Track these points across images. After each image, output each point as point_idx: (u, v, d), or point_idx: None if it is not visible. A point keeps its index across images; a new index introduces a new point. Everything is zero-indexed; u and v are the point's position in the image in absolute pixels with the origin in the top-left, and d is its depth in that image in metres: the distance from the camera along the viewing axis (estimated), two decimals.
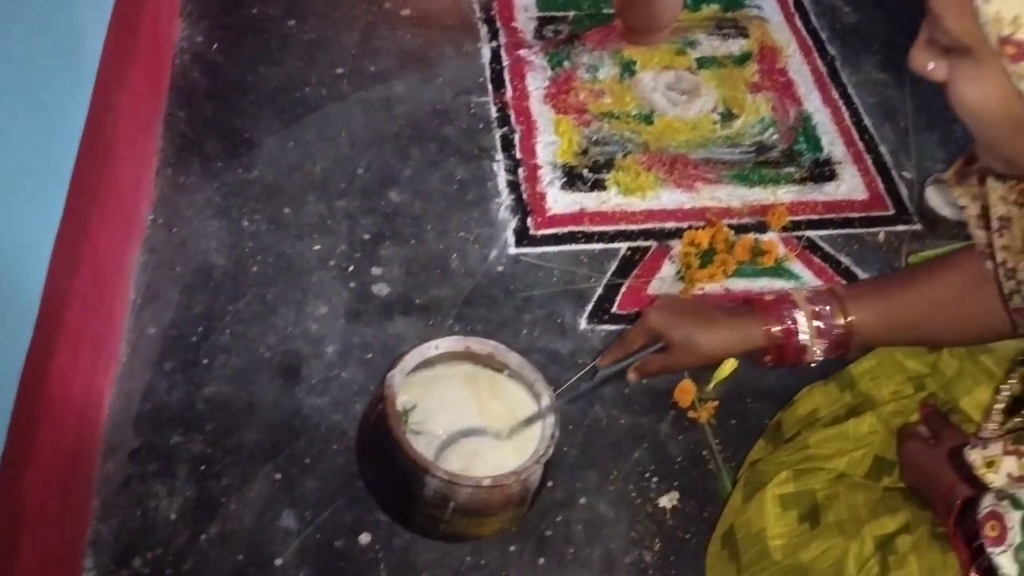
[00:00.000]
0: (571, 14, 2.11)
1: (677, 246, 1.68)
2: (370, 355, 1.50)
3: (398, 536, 1.31)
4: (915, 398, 1.04)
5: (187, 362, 1.47)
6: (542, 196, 1.75)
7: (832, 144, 1.88)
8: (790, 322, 0.93)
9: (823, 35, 2.11)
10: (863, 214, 1.77)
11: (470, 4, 2.11)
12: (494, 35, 2.05)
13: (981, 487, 0.80)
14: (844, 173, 1.83)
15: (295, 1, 2.07)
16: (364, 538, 1.31)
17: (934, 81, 0.64)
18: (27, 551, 1.11)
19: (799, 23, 2.14)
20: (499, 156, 1.81)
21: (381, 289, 1.59)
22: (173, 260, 1.60)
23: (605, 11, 2.11)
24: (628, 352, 1.01)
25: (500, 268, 1.64)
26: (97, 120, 1.41)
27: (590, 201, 1.75)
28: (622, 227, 1.71)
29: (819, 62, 2.05)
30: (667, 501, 1.38)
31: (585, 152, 1.83)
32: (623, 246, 1.68)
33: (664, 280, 1.64)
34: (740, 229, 1.71)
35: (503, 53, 2.01)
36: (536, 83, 1.95)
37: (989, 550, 0.72)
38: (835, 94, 1.98)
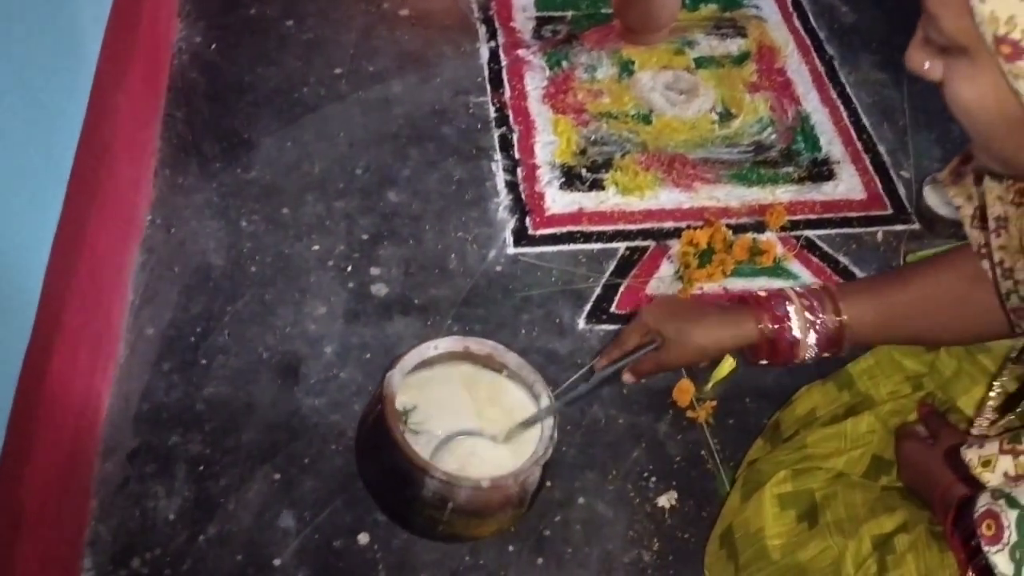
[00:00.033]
0: (569, 14, 2.12)
1: (675, 246, 1.68)
2: (369, 355, 1.50)
3: (397, 536, 1.31)
4: (913, 397, 1.04)
5: (185, 362, 1.47)
6: (540, 196, 1.75)
7: (830, 144, 1.88)
8: (782, 315, 0.93)
9: (821, 35, 2.11)
10: (861, 214, 1.77)
11: (468, 4, 2.11)
12: (492, 35, 2.05)
13: (978, 486, 0.80)
14: (842, 173, 1.83)
15: (293, 1, 2.07)
16: (363, 538, 1.31)
17: (930, 80, 0.64)
18: (26, 551, 1.11)
19: (797, 23, 2.14)
20: (497, 156, 1.81)
21: (380, 289, 1.59)
22: (171, 260, 1.60)
23: (603, 11, 2.11)
24: (624, 352, 1.01)
25: (499, 268, 1.64)
26: (95, 120, 1.41)
27: (588, 201, 1.75)
28: (620, 227, 1.71)
29: (817, 62, 2.05)
30: (665, 501, 1.38)
31: (583, 152, 1.83)
32: (621, 246, 1.69)
33: (662, 280, 1.64)
34: (738, 229, 1.71)
35: (501, 53, 2.01)
36: (534, 83, 1.95)
37: (985, 549, 0.72)
38: (833, 94, 1.98)
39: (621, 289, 1.62)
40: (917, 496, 0.95)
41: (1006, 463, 0.78)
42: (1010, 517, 0.71)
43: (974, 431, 0.93)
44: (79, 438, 1.32)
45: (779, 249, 1.68)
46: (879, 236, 1.73)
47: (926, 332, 0.95)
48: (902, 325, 0.94)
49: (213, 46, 1.96)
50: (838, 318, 0.93)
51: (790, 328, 0.93)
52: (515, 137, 1.85)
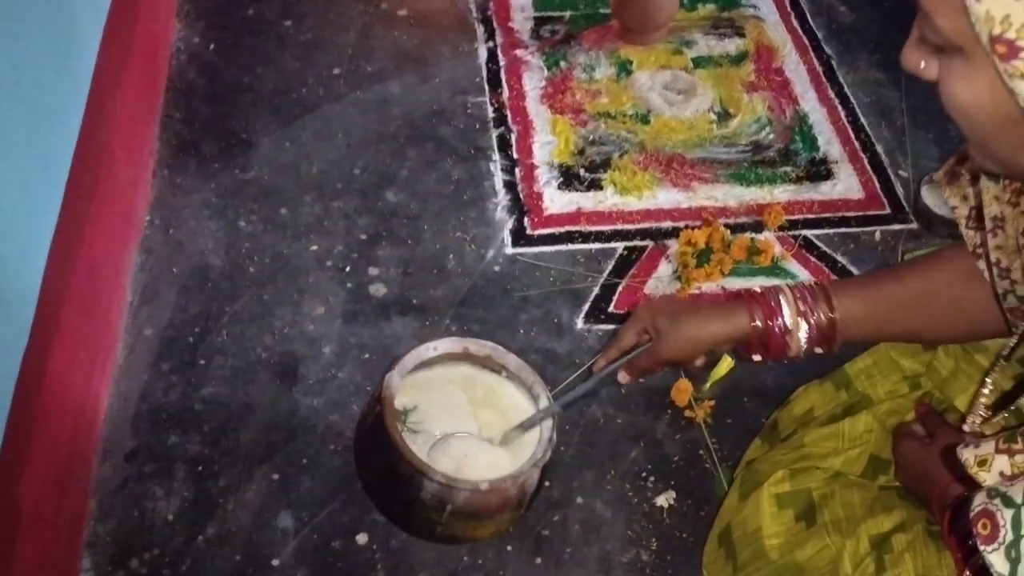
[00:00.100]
0: (567, 14, 2.12)
1: (674, 245, 1.68)
2: (367, 355, 1.51)
3: (395, 536, 1.31)
4: (911, 397, 1.04)
5: (184, 363, 1.48)
6: (539, 196, 1.75)
7: (828, 143, 1.88)
8: (774, 306, 0.93)
9: (819, 34, 2.12)
10: (859, 213, 1.77)
11: (466, 4, 2.12)
12: (491, 35, 2.05)
13: (974, 486, 0.80)
14: (840, 172, 1.83)
15: (292, 2, 2.07)
16: (361, 538, 1.31)
17: (926, 80, 0.64)
18: (24, 552, 1.11)
19: (795, 23, 2.14)
20: (496, 156, 1.81)
21: (378, 289, 1.59)
22: (170, 261, 1.60)
23: (601, 11, 2.11)
24: (622, 351, 1.01)
25: (497, 268, 1.64)
26: (94, 121, 1.41)
27: (587, 201, 1.75)
28: (619, 227, 1.72)
29: (815, 61, 2.05)
30: (664, 500, 1.38)
31: (582, 152, 1.83)
32: (620, 246, 1.69)
33: (661, 279, 1.64)
34: (736, 228, 1.71)
35: (500, 53, 2.01)
36: (533, 83, 1.95)
37: (981, 548, 0.72)
38: (831, 93, 1.98)
39: (619, 289, 1.62)
40: (914, 495, 0.95)
41: (1002, 462, 0.78)
42: (1006, 516, 0.71)
43: (966, 428, 0.93)
44: (77, 438, 1.32)
45: (777, 249, 1.68)
46: (877, 236, 1.74)
47: (920, 329, 0.95)
48: (895, 321, 0.94)
49: (212, 46, 1.96)
50: (831, 312, 0.93)
51: (782, 320, 0.93)
52: (513, 137, 1.85)
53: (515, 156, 1.82)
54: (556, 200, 1.75)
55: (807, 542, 0.96)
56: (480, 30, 2.06)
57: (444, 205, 1.73)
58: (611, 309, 1.59)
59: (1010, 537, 0.70)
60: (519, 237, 1.69)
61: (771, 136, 1.89)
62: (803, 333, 0.93)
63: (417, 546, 1.30)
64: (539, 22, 2.10)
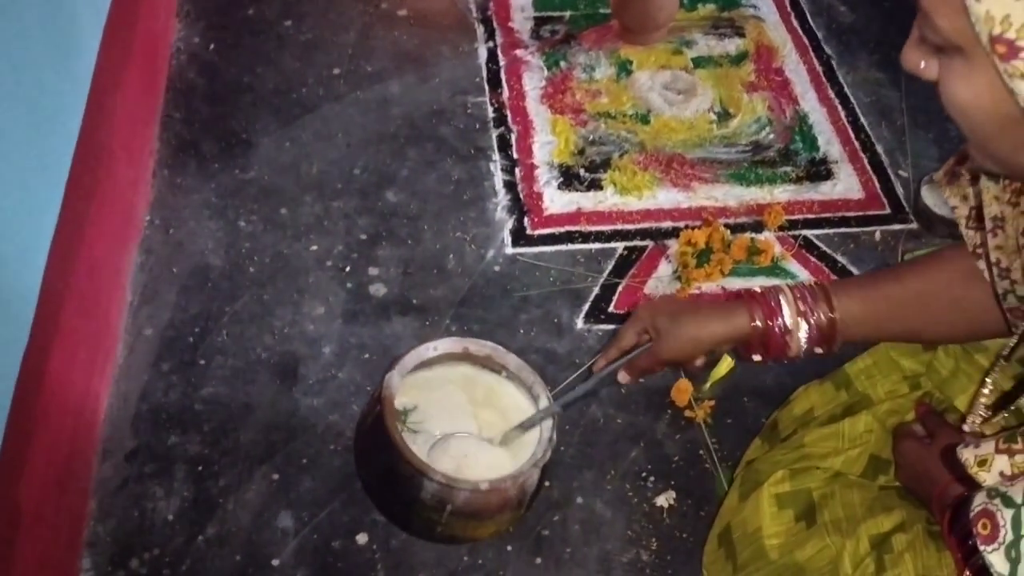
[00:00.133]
0: (567, 14, 2.12)
1: (674, 245, 1.68)
2: (367, 355, 1.51)
3: (395, 536, 1.31)
4: (911, 397, 1.04)
5: (184, 363, 1.48)
6: (539, 196, 1.75)
7: (828, 143, 1.88)
8: (774, 306, 0.93)
9: (819, 34, 2.12)
10: (859, 213, 1.77)
11: (466, 4, 2.12)
12: (490, 35, 2.05)
13: (974, 486, 0.80)
14: (840, 172, 1.83)
15: (291, 2, 2.07)
16: (361, 538, 1.31)
17: (926, 80, 0.64)
18: (24, 552, 1.11)
19: (795, 23, 2.14)
20: (496, 156, 1.81)
21: (378, 289, 1.59)
22: (170, 261, 1.60)
23: (601, 11, 2.11)
24: (622, 351, 1.01)
25: (497, 268, 1.64)
26: (93, 121, 1.41)
27: (587, 201, 1.75)
28: (619, 227, 1.72)
29: (815, 61, 2.05)
30: (664, 500, 1.38)
31: (582, 152, 1.83)
32: (620, 246, 1.69)
33: (661, 279, 1.64)
34: (736, 228, 1.71)
35: (500, 53, 2.01)
36: (533, 83, 1.95)
37: (981, 548, 0.72)
38: (831, 93, 1.98)
39: (619, 289, 1.62)
40: (914, 495, 0.95)
41: (1002, 462, 0.78)
42: (1006, 516, 0.71)
43: (966, 428, 0.93)
44: (77, 438, 1.32)
45: (777, 249, 1.68)
46: (877, 236, 1.74)
47: (920, 329, 0.95)
48: (895, 321, 0.94)
49: (212, 46, 1.96)
50: (831, 312, 0.93)
51: (782, 320, 0.93)
52: (513, 137, 1.85)
53: (515, 156, 1.82)
54: (556, 200, 1.75)
55: (807, 542, 0.96)
56: (480, 30, 2.06)
57: (444, 205, 1.73)
58: (611, 309, 1.59)
59: (1010, 537, 0.70)
60: (519, 237, 1.69)
61: (771, 136, 1.89)
62: (803, 333, 0.93)
63: (417, 546, 1.30)
64: (539, 22, 2.10)
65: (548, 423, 1.02)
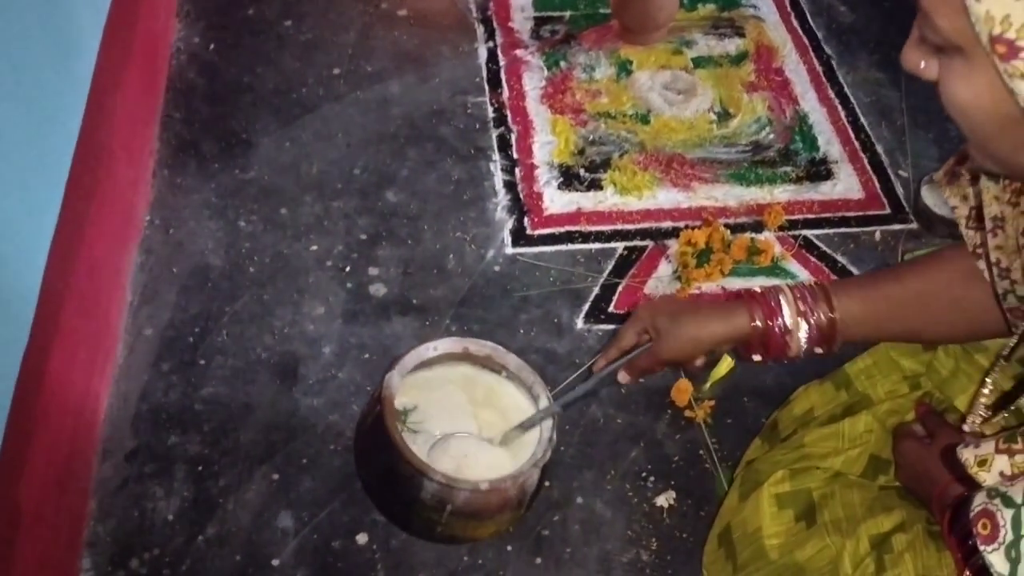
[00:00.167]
0: (567, 14, 2.12)
1: (674, 246, 1.68)
2: (367, 355, 1.51)
3: (395, 536, 1.31)
4: (911, 397, 1.04)
5: (184, 363, 1.48)
6: (539, 196, 1.75)
7: (828, 143, 1.88)
8: (774, 305, 0.93)
9: (819, 34, 2.12)
10: (859, 213, 1.77)
11: (466, 4, 2.12)
12: (490, 35, 2.05)
13: (974, 486, 0.80)
14: (840, 172, 1.83)
15: (292, 2, 2.07)
16: (361, 538, 1.31)
17: (926, 80, 0.64)
18: (24, 552, 1.11)
19: (795, 23, 2.14)
20: (496, 156, 1.81)
21: (378, 289, 1.59)
22: (170, 261, 1.60)
23: (601, 11, 2.11)
24: (622, 351, 1.01)
25: (497, 268, 1.64)
26: (93, 121, 1.41)
27: (587, 201, 1.75)
28: (619, 227, 1.72)
29: (815, 61, 2.05)
30: (664, 500, 1.38)
31: (582, 152, 1.83)
32: (620, 246, 1.69)
33: (661, 279, 1.64)
34: (736, 228, 1.71)
35: (500, 53, 2.01)
36: (533, 83, 1.95)
37: (981, 548, 0.72)
38: (831, 93, 1.98)
39: (619, 289, 1.62)
40: (915, 496, 0.95)
41: (1002, 462, 0.78)
42: (1005, 516, 0.71)
43: (966, 428, 0.93)
44: (77, 438, 1.32)
45: (777, 249, 1.68)
46: (877, 236, 1.74)
47: (920, 329, 0.95)
48: (895, 321, 0.94)
49: (212, 46, 1.96)
50: (831, 312, 0.93)
51: (782, 319, 0.93)
52: (513, 137, 1.85)
53: (515, 156, 1.82)
54: (556, 200, 1.75)
55: (807, 542, 0.96)
56: (480, 30, 2.06)
57: (444, 205, 1.73)
58: (611, 309, 1.59)
59: (1010, 537, 0.70)
60: (519, 237, 1.69)
61: (771, 136, 1.89)
62: (803, 333, 0.93)
63: (417, 546, 1.30)
64: (539, 22, 2.10)
65: (548, 423, 1.02)
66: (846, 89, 1.99)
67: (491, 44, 2.03)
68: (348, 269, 1.62)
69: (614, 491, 1.38)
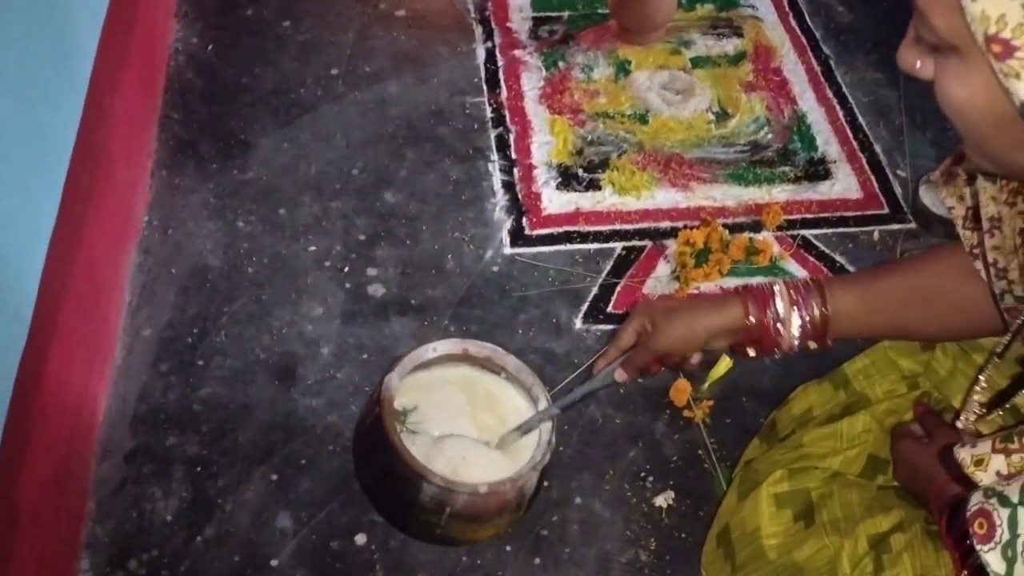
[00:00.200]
0: (566, 14, 2.12)
1: (672, 245, 1.68)
2: (366, 356, 1.51)
3: (394, 537, 1.31)
4: (909, 397, 1.04)
5: (183, 364, 1.47)
6: (537, 196, 1.75)
7: (827, 143, 1.88)
8: (767, 295, 0.94)
9: (817, 34, 2.12)
10: (858, 213, 1.77)
11: (465, 4, 2.12)
12: (489, 35, 2.05)
13: (971, 485, 0.80)
14: (839, 172, 1.83)
15: (290, 2, 2.07)
16: (360, 539, 1.31)
17: (922, 79, 0.64)
18: (23, 553, 1.11)
19: (793, 23, 2.14)
20: (494, 156, 1.81)
21: (376, 290, 1.59)
22: (168, 262, 1.60)
23: (600, 11, 2.11)
24: (621, 352, 1.01)
25: (495, 268, 1.64)
26: (91, 122, 1.41)
27: (585, 201, 1.75)
28: (617, 227, 1.72)
29: (813, 61, 2.05)
30: (663, 500, 1.38)
31: (580, 152, 1.83)
32: (618, 246, 1.69)
33: (659, 279, 1.64)
34: (735, 228, 1.71)
35: (498, 53, 2.01)
36: (531, 83, 1.95)
37: (978, 547, 0.72)
38: (829, 93, 1.98)
39: (618, 289, 1.62)
40: (913, 495, 0.95)
41: (998, 462, 0.78)
42: (1002, 516, 0.71)
43: (959, 424, 0.93)
44: (76, 439, 1.31)
45: (775, 248, 1.68)
46: (875, 235, 1.74)
47: (913, 324, 0.95)
48: (888, 315, 0.94)
49: (210, 47, 1.96)
50: (824, 304, 0.93)
51: (774, 308, 0.93)
52: (512, 137, 1.85)
53: (513, 156, 1.82)
54: (554, 200, 1.75)
55: (805, 542, 0.96)
56: (478, 30, 2.06)
57: (442, 205, 1.73)
58: (610, 309, 1.59)
59: (1006, 536, 0.70)
60: (517, 237, 1.69)
61: (769, 136, 1.89)
62: (795, 325, 0.93)
63: (416, 546, 1.30)
64: (537, 22, 2.10)
65: (547, 425, 1.02)
66: (844, 89, 1.99)
67: (489, 44, 2.03)
68: (347, 269, 1.62)
69: (613, 491, 1.38)
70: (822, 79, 2.01)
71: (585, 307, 1.59)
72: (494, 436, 1.04)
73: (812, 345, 0.95)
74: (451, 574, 1.29)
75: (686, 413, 1.46)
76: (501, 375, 1.07)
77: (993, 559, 0.71)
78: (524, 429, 1.02)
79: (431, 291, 1.60)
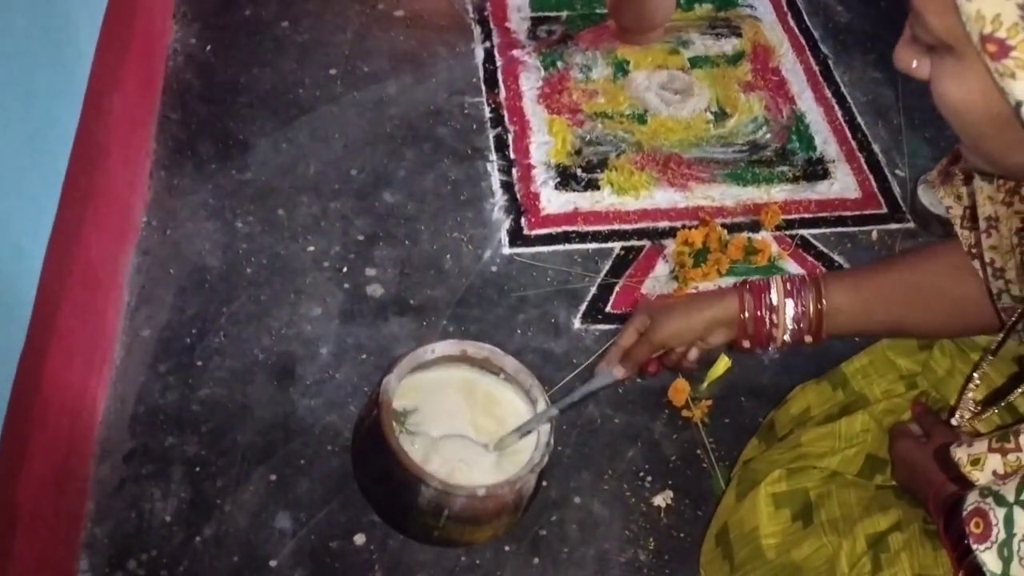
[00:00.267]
0: (564, 14, 2.12)
1: (671, 245, 1.68)
2: (364, 356, 1.51)
3: (393, 537, 1.31)
4: (907, 396, 1.04)
5: (181, 364, 1.48)
6: (536, 196, 1.75)
7: (825, 143, 1.88)
8: (763, 286, 0.95)
9: (816, 34, 2.12)
10: (856, 212, 1.77)
11: (463, 5, 2.12)
12: (487, 36, 2.05)
13: (968, 485, 0.80)
14: (837, 172, 1.83)
15: (288, 2, 2.07)
16: (359, 539, 1.31)
17: (918, 79, 0.65)
18: (22, 553, 1.11)
19: (792, 22, 2.14)
20: (493, 156, 1.82)
21: (375, 290, 1.60)
22: (167, 262, 1.60)
23: (598, 11, 2.11)
24: (622, 350, 1.01)
25: (494, 268, 1.64)
26: (90, 122, 1.41)
27: (584, 201, 1.75)
28: (616, 227, 1.72)
29: (812, 61, 2.05)
30: (661, 500, 1.38)
31: (579, 152, 1.83)
32: (617, 245, 1.69)
33: (658, 279, 1.64)
34: (733, 228, 1.71)
35: (496, 53, 2.01)
36: (529, 83, 1.95)
37: (974, 547, 0.72)
38: (828, 93, 1.98)
39: (616, 289, 1.62)
40: (911, 495, 0.95)
41: (995, 461, 0.78)
42: (998, 515, 0.71)
43: (954, 422, 0.93)
44: (75, 440, 1.32)
45: (774, 248, 1.69)
46: (874, 235, 1.74)
47: (908, 321, 0.96)
48: (885, 310, 0.95)
49: (208, 47, 1.96)
50: (819, 297, 0.94)
51: (769, 298, 0.94)
52: (510, 137, 1.85)
53: (512, 156, 1.82)
54: (553, 200, 1.75)
55: (804, 541, 0.96)
56: (477, 30, 2.06)
57: (441, 206, 1.73)
58: (608, 309, 1.59)
59: (1002, 536, 0.70)
60: (516, 237, 1.69)
61: (768, 136, 1.89)
62: (790, 317, 0.94)
63: (415, 547, 1.30)
64: (536, 22, 2.10)
65: (546, 427, 1.02)
66: (843, 88, 1.99)
67: (488, 44, 2.03)
68: (345, 270, 1.62)
69: (611, 491, 1.38)
70: (820, 79, 2.01)
71: (584, 307, 1.59)
72: (493, 438, 1.04)
73: (808, 339, 0.95)
74: (450, 574, 1.29)
75: (685, 413, 1.46)
76: (500, 376, 1.07)
77: (989, 558, 0.71)
78: (523, 431, 1.02)
79: (430, 291, 1.60)
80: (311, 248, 1.64)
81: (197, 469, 1.36)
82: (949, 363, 1.02)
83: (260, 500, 1.34)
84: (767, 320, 0.94)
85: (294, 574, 1.28)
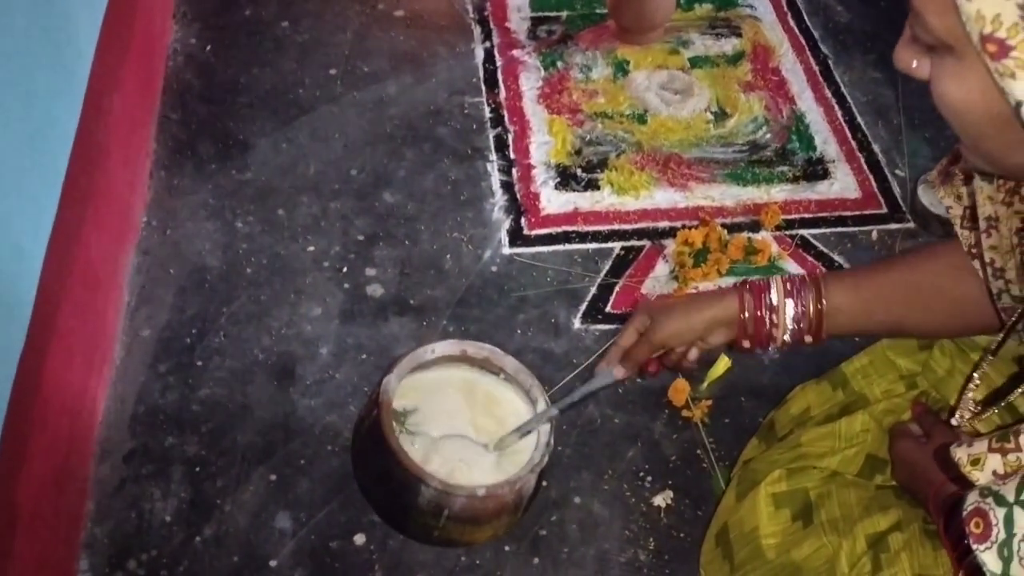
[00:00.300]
0: (564, 14, 2.12)
1: (671, 245, 1.68)
2: (364, 356, 1.51)
3: (393, 537, 1.31)
4: (907, 396, 1.04)
5: (181, 364, 1.48)
6: (536, 196, 1.75)
7: (825, 143, 1.88)
8: (763, 285, 0.95)
9: (816, 34, 2.12)
10: (856, 212, 1.77)
11: (463, 5, 2.12)
12: (487, 36, 2.05)
13: (968, 485, 0.80)
14: (837, 172, 1.83)
15: (288, 3, 2.07)
16: (359, 539, 1.31)
17: (918, 79, 0.65)
18: (22, 553, 1.11)
19: (792, 22, 2.14)
20: (493, 156, 1.82)
21: (375, 290, 1.60)
22: (167, 262, 1.60)
23: (598, 11, 2.11)
24: (623, 350, 1.01)
25: (494, 268, 1.64)
26: (90, 122, 1.41)
27: (584, 201, 1.75)
28: (616, 227, 1.72)
29: (812, 61, 2.05)
30: (661, 500, 1.38)
31: (579, 152, 1.83)
32: (617, 245, 1.69)
33: (658, 279, 1.64)
34: (733, 228, 1.71)
35: (496, 53, 2.01)
36: (529, 83, 1.95)
37: (974, 547, 0.72)
38: (828, 93, 1.98)
39: (616, 289, 1.62)
40: (911, 495, 0.95)
41: (995, 461, 0.78)
42: (998, 515, 0.71)
43: (954, 422, 0.93)
44: (75, 440, 1.32)
45: (774, 248, 1.69)
46: (874, 235, 1.74)
47: (908, 321, 0.96)
48: (885, 310, 0.95)
49: (208, 47, 1.96)
50: (819, 296, 0.94)
51: (769, 298, 0.94)
52: (510, 137, 1.85)
53: (512, 156, 1.82)
54: (553, 200, 1.75)
55: (804, 541, 0.96)
56: (477, 30, 2.06)
57: (441, 206, 1.73)
58: (608, 309, 1.59)
59: (1002, 536, 0.70)
60: (516, 237, 1.69)
61: (768, 136, 1.89)
62: (790, 317, 0.94)
63: (415, 546, 1.30)
64: (536, 22, 2.10)
65: (546, 427, 1.02)
66: (843, 88, 1.99)
67: (488, 44, 2.03)
68: (345, 270, 1.62)
69: (612, 491, 1.38)
70: (820, 79, 2.01)
71: (584, 307, 1.59)
72: (493, 438, 1.04)
73: (808, 339, 0.95)
74: (450, 574, 1.29)
75: (685, 413, 1.46)
76: (500, 376, 1.07)
77: (989, 558, 0.71)
78: (523, 431, 1.02)
79: (430, 291, 1.60)
80: (311, 248, 1.64)
81: (197, 469, 1.36)
82: (949, 363, 1.02)
83: (260, 500, 1.34)
84: (767, 320, 0.94)
85: (294, 574, 1.28)
